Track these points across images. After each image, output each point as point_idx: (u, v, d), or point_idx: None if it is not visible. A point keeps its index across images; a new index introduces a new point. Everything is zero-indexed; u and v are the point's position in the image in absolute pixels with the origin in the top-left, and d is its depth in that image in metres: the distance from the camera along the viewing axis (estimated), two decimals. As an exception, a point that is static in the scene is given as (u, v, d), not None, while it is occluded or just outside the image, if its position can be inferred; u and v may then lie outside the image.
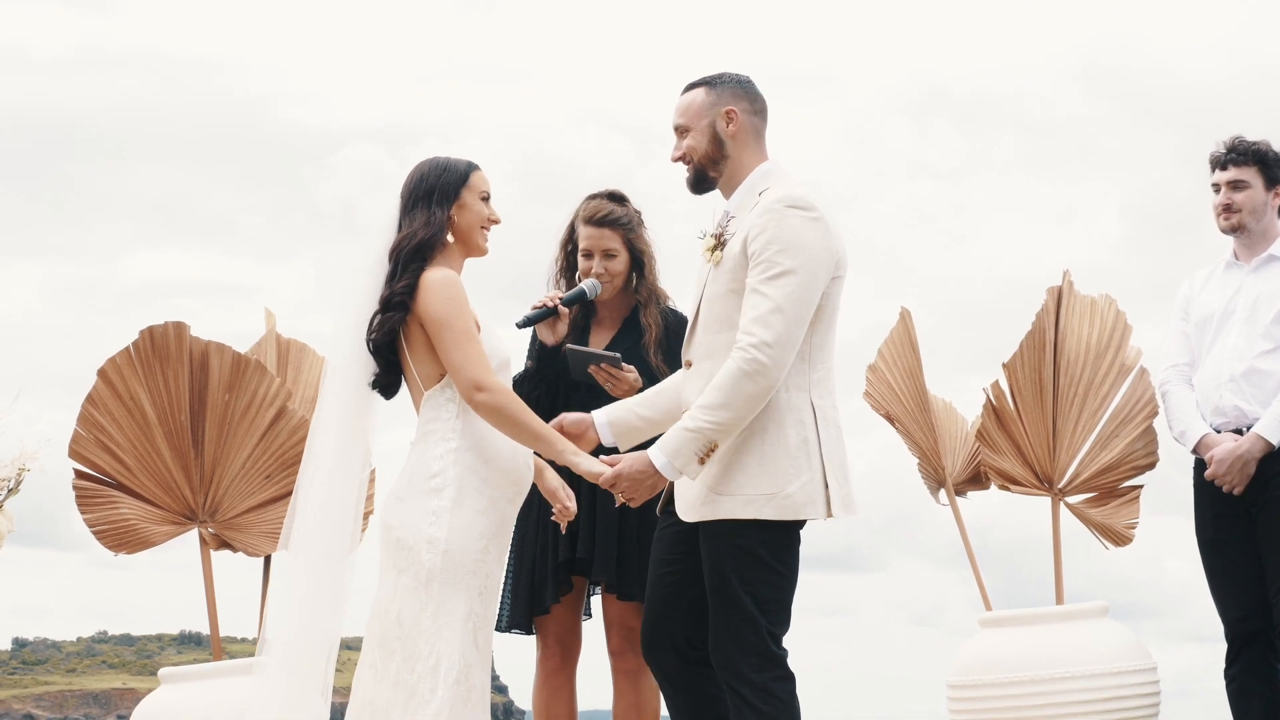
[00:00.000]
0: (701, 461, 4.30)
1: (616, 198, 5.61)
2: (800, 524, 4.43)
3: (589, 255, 5.58)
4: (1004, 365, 6.38)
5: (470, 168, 4.59)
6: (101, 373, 6.06)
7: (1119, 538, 6.43)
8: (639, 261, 5.60)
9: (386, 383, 4.59)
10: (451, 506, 4.42)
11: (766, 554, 4.34)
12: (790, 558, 4.40)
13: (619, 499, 4.45)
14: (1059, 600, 6.25)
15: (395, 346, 4.52)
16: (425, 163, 4.60)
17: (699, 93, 4.56)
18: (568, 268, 5.70)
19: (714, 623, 4.41)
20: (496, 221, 4.63)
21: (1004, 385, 6.41)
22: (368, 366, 4.57)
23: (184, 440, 6.14)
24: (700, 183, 4.58)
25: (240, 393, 6.21)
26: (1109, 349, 6.44)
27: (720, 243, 4.45)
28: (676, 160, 4.57)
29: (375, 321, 4.50)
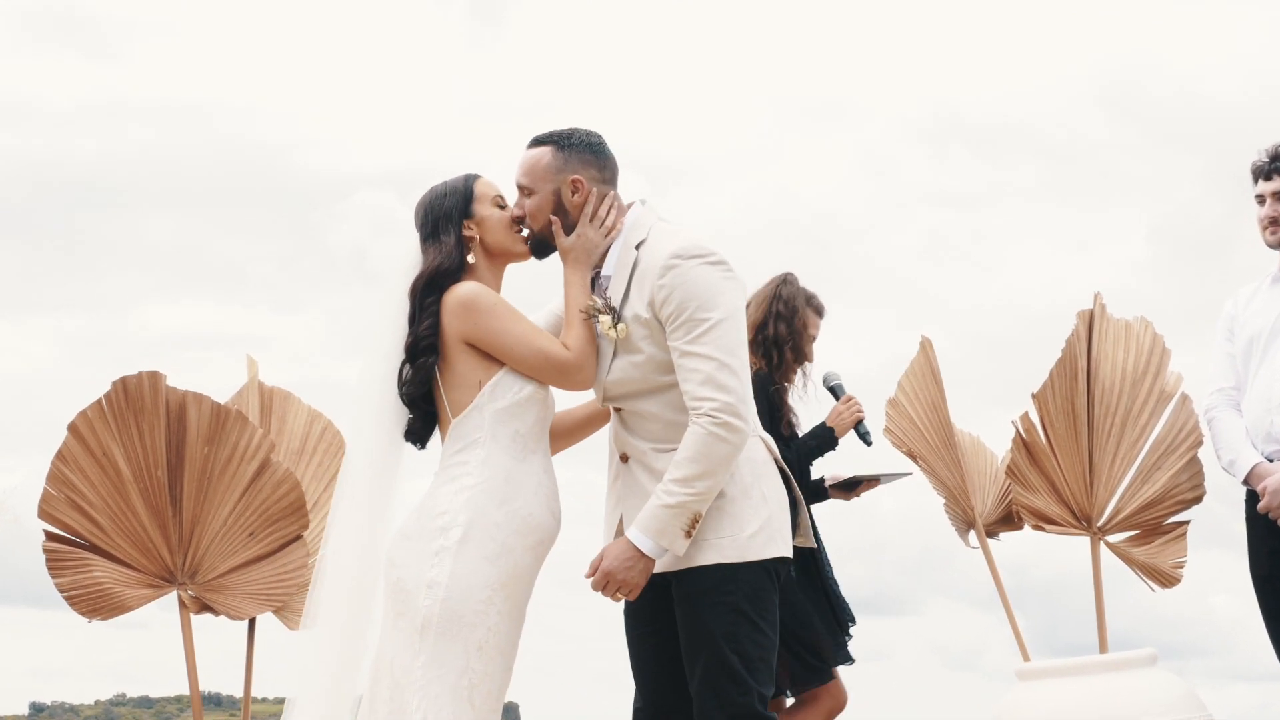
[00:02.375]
0: (688, 535, 4.09)
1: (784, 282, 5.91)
2: (777, 572, 4.20)
3: (813, 341, 5.85)
4: (1034, 395, 5.97)
5: (470, 181, 4.36)
6: (72, 427, 5.71)
7: (1165, 578, 6.00)
8: None
9: (423, 434, 4.32)
10: (456, 548, 4.11)
11: (751, 610, 4.11)
12: (772, 615, 4.17)
13: (614, 598, 4.17)
14: (1102, 647, 5.88)
15: (432, 394, 4.26)
16: (425, 195, 4.38)
17: (545, 153, 4.32)
18: (797, 353, 5.82)
19: (699, 685, 4.14)
20: (522, 216, 4.36)
21: (1034, 417, 6.00)
22: (398, 420, 4.31)
23: (161, 497, 5.78)
24: (542, 248, 4.36)
25: (220, 445, 5.86)
26: (1146, 375, 6.03)
27: (615, 314, 4.22)
28: (518, 218, 4.36)
29: (405, 373, 4.25)
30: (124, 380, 5.73)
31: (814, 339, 5.87)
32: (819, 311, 5.91)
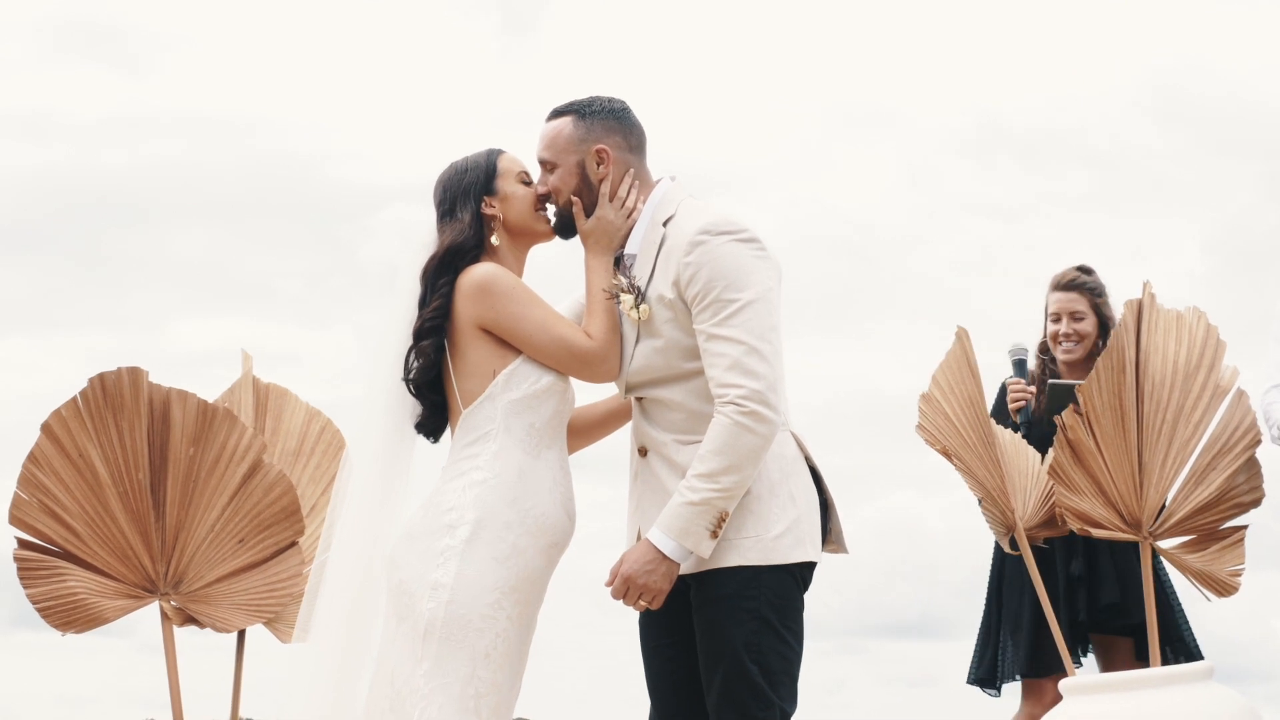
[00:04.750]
0: (714, 535, 3.79)
1: (1085, 269, 6.04)
2: (803, 578, 3.92)
3: (1056, 319, 6.03)
4: (1077, 390, 5.53)
5: (493, 155, 4.10)
6: (45, 427, 5.37)
7: (1222, 587, 5.56)
8: (1105, 327, 6.01)
9: (433, 426, 4.06)
10: (463, 548, 3.83)
11: (776, 619, 3.83)
12: (799, 626, 3.90)
13: (637, 606, 3.87)
14: (1154, 660, 5.47)
15: (440, 383, 3.98)
16: (444, 171, 4.12)
17: (566, 123, 4.05)
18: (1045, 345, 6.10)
19: (717, 699, 3.84)
20: (547, 194, 4.08)
21: (1078, 413, 5.56)
22: (409, 414, 4.05)
23: (142, 502, 5.43)
24: (568, 226, 4.08)
25: (207, 446, 5.51)
26: (1200, 369, 5.60)
27: (638, 294, 3.93)
28: (542, 196, 4.09)
29: (410, 359, 3.98)
30: (101, 376, 5.38)
31: (1057, 317, 6.03)
32: (1053, 286, 6.06)
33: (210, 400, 5.58)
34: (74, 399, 5.35)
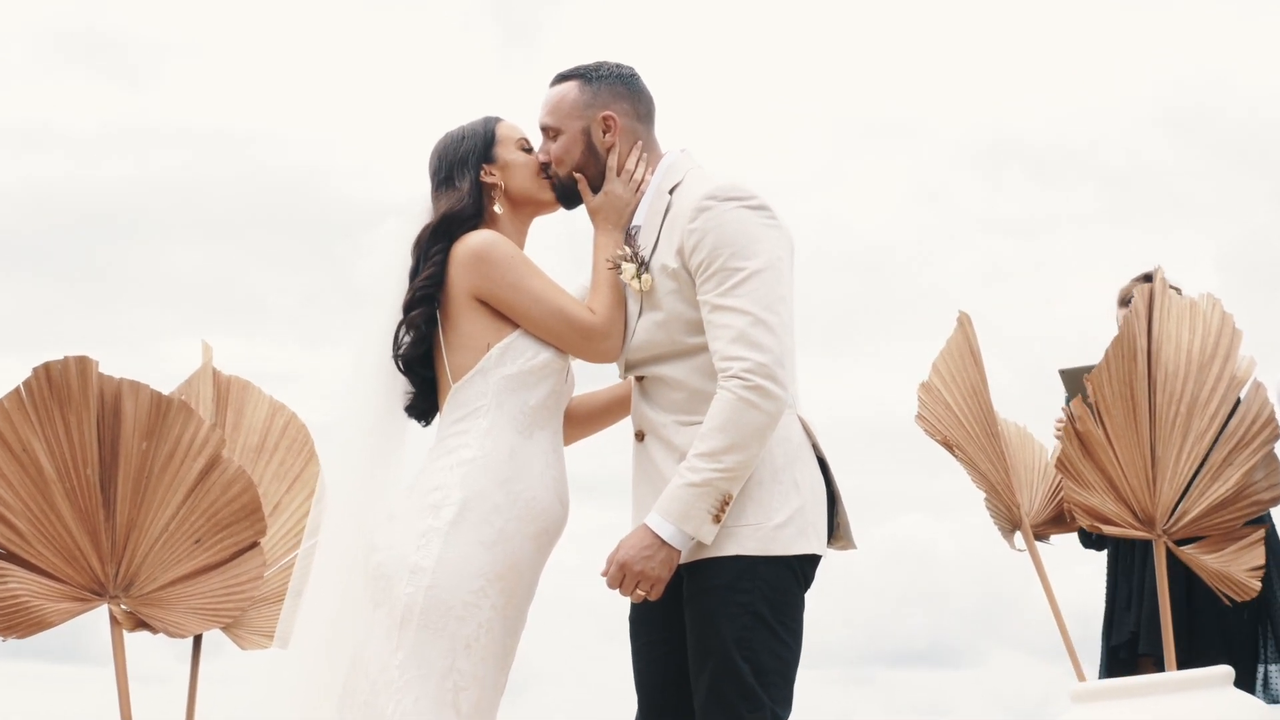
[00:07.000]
0: (716, 519, 3.56)
1: (1148, 278, 5.58)
2: (804, 573, 3.68)
3: None
4: (1087, 379, 5.23)
5: (491, 122, 3.93)
6: (-14, 419, 5.03)
7: (1241, 588, 5.25)
8: None
9: (425, 407, 3.84)
10: (447, 530, 3.60)
11: (770, 615, 3.59)
12: (796, 623, 3.66)
13: (634, 596, 3.62)
14: (1169, 664, 5.14)
15: (431, 357, 3.76)
16: (439, 142, 3.92)
17: (571, 88, 3.86)
18: None
19: (704, 697, 3.59)
20: (548, 162, 3.89)
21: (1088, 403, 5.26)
22: (397, 400, 3.82)
23: (90, 499, 5.12)
24: (571, 196, 3.89)
25: (161, 440, 5.20)
26: (1215, 358, 5.31)
27: (641, 263, 3.72)
28: (544, 164, 3.89)
29: (400, 333, 3.76)
30: (47, 366, 5.06)
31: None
32: (1119, 303, 5.72)
33: (165, 393, 5.28)
34: (17, 389, 5.04)
